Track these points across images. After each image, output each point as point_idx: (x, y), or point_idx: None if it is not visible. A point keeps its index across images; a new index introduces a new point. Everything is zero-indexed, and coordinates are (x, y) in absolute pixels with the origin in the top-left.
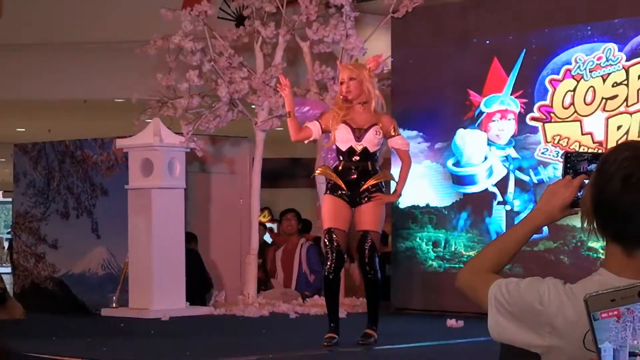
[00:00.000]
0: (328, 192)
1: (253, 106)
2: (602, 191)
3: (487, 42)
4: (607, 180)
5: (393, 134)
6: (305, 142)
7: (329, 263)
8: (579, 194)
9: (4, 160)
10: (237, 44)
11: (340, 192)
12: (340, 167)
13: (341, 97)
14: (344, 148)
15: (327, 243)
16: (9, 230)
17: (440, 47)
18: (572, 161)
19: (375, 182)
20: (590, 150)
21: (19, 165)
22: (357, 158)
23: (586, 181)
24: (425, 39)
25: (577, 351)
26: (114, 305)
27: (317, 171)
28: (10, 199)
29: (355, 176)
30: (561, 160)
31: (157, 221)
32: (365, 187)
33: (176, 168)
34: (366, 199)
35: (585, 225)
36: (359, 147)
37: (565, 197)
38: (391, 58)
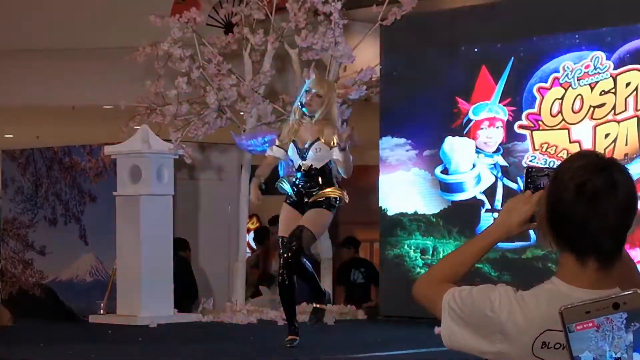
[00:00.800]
0: (285, 200)
1: (241, 113)
2: (557, 200)
3: (476, 50)
4: (561, 190)
5: (333, 145)
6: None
7: (280, 269)
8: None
9: None
10: (226, 51)
11: (291, 200)
12: (294, 180)
13: (299, 103)
14: (295, 165)
15: (280, 250)
16: None
17: (429, 55)
18: (533, 176)
19: (321, 198)
20: (551, 166)
21: (7, 172)
22: (305, 176)
23: None
24: (413, 46)
25: (526, 358)
26: (101, 312)
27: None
28: None
29: (305, 191)
30: (549, 168)
31: (146, 228)
32: (312, 199)
33: (164, 175)
34: (313, 204)
35: (540, 235)
36: (305, 166)
37: (523, 212)
38: (380, 66)
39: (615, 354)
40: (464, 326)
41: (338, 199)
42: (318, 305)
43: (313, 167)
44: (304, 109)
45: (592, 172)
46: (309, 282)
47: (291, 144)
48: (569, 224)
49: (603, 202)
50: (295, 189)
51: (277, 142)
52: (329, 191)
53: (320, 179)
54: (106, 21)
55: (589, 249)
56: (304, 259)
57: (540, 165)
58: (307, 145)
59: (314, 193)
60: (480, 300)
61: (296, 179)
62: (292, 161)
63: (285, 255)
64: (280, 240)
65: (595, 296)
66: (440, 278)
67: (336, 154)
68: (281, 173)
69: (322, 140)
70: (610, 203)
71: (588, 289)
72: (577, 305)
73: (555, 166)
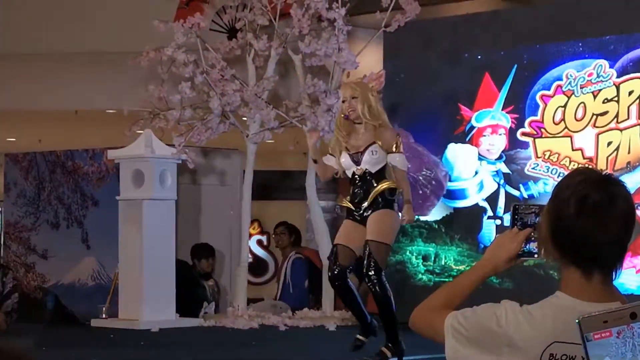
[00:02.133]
0: (346, 217)
1: (244, 118)
2: (559, 216)
3: (479, 57)
4: (562, 205)
5: (394, 150)
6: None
7: (329, 274)
8: (524, 247)
9: None
10: (230, 56)
11: (353, 215)
12: (350, 192)
13: (342, 115)
14: (349, 174)
15: (330, 256)
16: None
17: (432, 62)
18: (520, 213)
19: (377, 194)
20: (537, 204)
21: (10, 175)
22: (360, 182)
23: (533, 234)
24: (417, 53)
25: None
26: (103, 316)
27: (340, 203)
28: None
29: (360, 197)
30: (551, 175)
31: (148, 232)
32: (369, 201)
33: (167, 179)
34: (371, 211)
35: (542, 252)
36: (359, 171)
37: (510, 250)
38: (383, 72)
39: (637, 358)
40: (469, 346)
41: (393, 190)
42: (383, 349)
43: (367, 171)
44: (347, 119)
45: (591, 187)
46: (382, 319)
47: (344, 154)
48: (571, 238)
49: (603, 215)
50: (352, 199)
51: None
52: (380, 187)
53: (374, 183)
54: (110, 26)
55: (593, 261)
56: (385, 286)
57: (528, 204)
58: (362, 149)
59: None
60: (486, 317)
61: (351, 187)
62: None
63: (368, 274)
64: (333, 247)
65: (600, 309)
66: (438, 306)
67: (393, 159)
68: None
69: (379, 144)
70: (610, 216)
71: (593, 302)
72: (595, 314)
73: (539, 205)
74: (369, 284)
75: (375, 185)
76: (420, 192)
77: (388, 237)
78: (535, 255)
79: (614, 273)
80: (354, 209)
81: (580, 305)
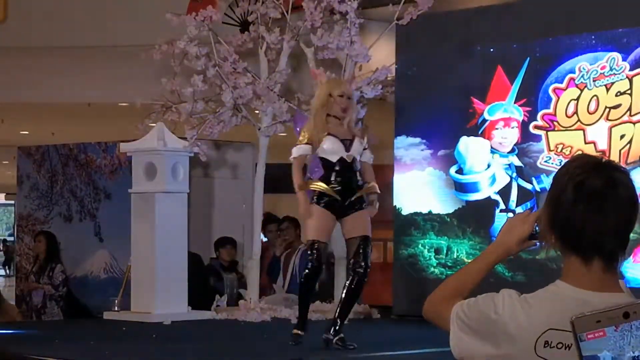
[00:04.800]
0: (314, 202)
1: (257, 112)
2: (557, 203)
3: (491, 50)
4: (561, 192)
5: (366, 147)
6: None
7: (307, 271)
8: (536, 227)
9: (7, 162)
10: (242, 49)
11: (327, 202)
12: (332, 179)
13: (339, 108)
14: (333, 159)
15: (309, 254)
16: (10, 232)
17: (445, 55)
18: None
19: (367, 192)
20: None
21: (23, 168)
22: (346, 170)
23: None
24: (429, 46)
25: (530, 357)
26: (116, 308)
27: (311, 186)
28: (12, 202)
29: (346, 187)
30: None
31: (160, 225)
32: (356, 198)
33: (180, 172)
34: (357, 207)
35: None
36: (349, 158)
37: (521, 232)
38: (395, 65)
39: (634, 352)
40: (471, 334)
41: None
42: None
43: (355, 160)
44: (344, 112)
45: (589, 171)
46: (352, 300)
47: (331, 138)
48: (570, 224)
49: (603, 201)
50: (336, 185)
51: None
52: (371, 187)
53: (359, 176)
54: (123, 19)
55: (592, 249)
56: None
57: None
58: (349, 138)
59: (356, 189)
60: (485, 305)
61: (334, 172)
62: (321, 159)
63: (365, 269)
64: (311, 243)
65: (601, 298)
66: (448, 295)
67: (366, 155)
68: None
69: (358, 140)
70: (611, 202)
71: (594, 291)
72: (588, 314)
73: None
74: (361, 277)
75: (359, 179)
76: None
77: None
78: None
79: (615, 262)
80: (338, 199)
81: (579, 294)
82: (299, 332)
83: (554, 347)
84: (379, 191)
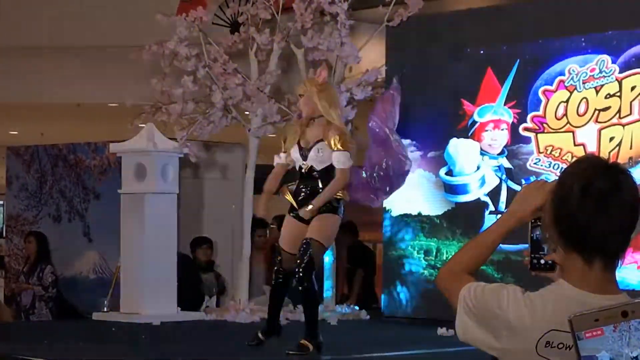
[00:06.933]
0: (288, 212)
1: (247, 113)
2: (563, 202)
3: (481, 52)
4: (566, 191)
5: (334, 148)
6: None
7: (274, 278)
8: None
9: None
10: (232, 50)
11: (294, 211)
12: (294, 187)
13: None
14: (296, 167)
15: (276, 261)
16: None
17: (435, 57)
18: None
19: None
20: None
21: (12, 168)
22: (306, 177)
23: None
24: (419, 48)
25: (530, 355)
26: (105, 309)
27: (284, 195)
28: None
29: (304, 195)
30: (553, 171)
31: (150, 226)
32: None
33: (169, 173)
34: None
35: (546, 237)
36: (305, 166)
37: (537, 200)
38: (385, 66)
39: (632, 352)
40: (475, 321)
41: (340, 200)
42: (303, 342)
43: (313, 168)
44: (299, 117)
45: (596, 173)
46: (306, 314)
47: (295, 146)
48: (575, 224)
49: (608, 202)
50: (296, 195)
51: (282, 149)
52: (317, 199)
53: (320, 183)
54: (112, 19)
55: (595, 249)
56: (314, 284)
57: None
58: (310, 145)
59: (311, 199)
60: (491, 298)
61: (299, 180)
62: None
63: (297, 270)
64: (280, 252)
65: (601, 300)
66: (460, 269)
67: (335, 157)
68: None
69: (326, 142)
70: (615, 204)
71: (594, 293)
72: (586, 313)
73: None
74: (300, 280)
75: (320, 187)
76: (369, 182)
77: (328, 240)
78: None
79: (615, 263)
80: (297, 207)
81: (581, 296)
82: (261, 336)
83: (554, 347)
84: (320, 204)
